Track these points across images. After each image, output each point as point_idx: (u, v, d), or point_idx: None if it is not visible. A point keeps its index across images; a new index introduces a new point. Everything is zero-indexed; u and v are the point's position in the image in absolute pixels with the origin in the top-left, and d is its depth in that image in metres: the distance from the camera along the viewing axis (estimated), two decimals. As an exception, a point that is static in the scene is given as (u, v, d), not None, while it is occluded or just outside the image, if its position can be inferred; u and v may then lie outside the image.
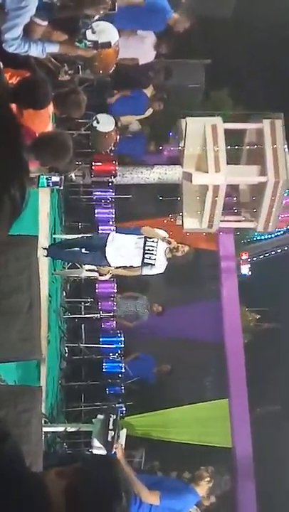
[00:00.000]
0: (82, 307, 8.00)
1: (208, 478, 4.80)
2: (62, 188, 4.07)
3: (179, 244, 5.68)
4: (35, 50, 3.71)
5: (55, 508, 1.24)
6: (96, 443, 4.64)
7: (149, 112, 7.74)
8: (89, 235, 6.57)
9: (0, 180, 0.55)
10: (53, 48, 4.02)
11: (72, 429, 5.76)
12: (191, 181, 6.81)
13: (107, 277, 6.75)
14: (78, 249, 6.07)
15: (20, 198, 0.59)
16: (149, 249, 5.69)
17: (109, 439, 4.52)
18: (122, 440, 4.90)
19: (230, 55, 9.71)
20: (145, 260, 5.67)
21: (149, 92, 7.54)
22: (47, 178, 3.69)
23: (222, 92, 9.48)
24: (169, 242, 5.63)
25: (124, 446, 4.84)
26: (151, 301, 8.24)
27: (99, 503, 1.31)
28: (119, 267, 5.97)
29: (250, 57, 9.74)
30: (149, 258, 5.68)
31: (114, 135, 6.76)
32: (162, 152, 8.31)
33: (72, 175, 7.25)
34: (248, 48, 9.75)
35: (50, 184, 3.80)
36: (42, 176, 3.68)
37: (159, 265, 5.70)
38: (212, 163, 6.63)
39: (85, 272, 6.83)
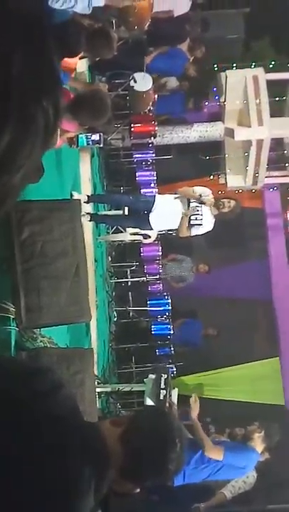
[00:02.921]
0: (128, 271, 8.03)
1: (258, 430, 4.83)
2: (102, 145, 3.97)
3: (225, 200, 5.55)
4: (81, 4, 3.52)
5: (113, 455, 1.25)
6: (149, 402, 4.71)
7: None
8: (135, 196, 6.49)
9: (31, 91, 0.50)
10: (99, 1, 3.79)
11: (125, 389, 5.87)
12: (233, 137, 6.61)
13: (151, 240, 6.73)
14: (121, 212, 6.04)
15: (53, 112, 0.54)
16: (193, 210, 5.58)
17: (162, 397, 4.57)
18: (174, 399, 4.96)
19: (269, 1, 9.21)
20: (191, 222, 5.59)
21: (186, 46, 7.28)
22: (86, 137, 3.59)
23: (263, 41, 9.05)
24: (208, 201, 5.50)
25: (176, 404, 4.90)
26: (197, 262, 8.18)
27: (154, 449, 1.34)
28: (163, 231, 5.92)
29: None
30: (196, 219, 5.59)
31: (152, 94, 6.60)
32: (202, 109, 8.08)
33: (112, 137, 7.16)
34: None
35: (90, 143, 3.70)
36: (81, 135, 3.59)
37: (207, 224, 5.61)
38: (254, 116, 6.40)
39: (129, 235, 6.82)
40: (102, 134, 3.66)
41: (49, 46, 0.53)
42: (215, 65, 7.19)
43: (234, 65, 7.01)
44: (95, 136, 3.63)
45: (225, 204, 5.52)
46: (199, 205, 5.55)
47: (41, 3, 0.54)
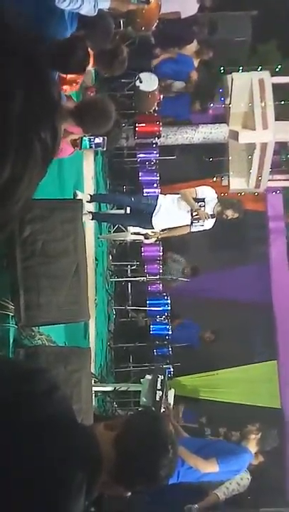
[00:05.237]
0: (129, 270, 8.04)
1: (256, 432, 4.85)
2: (105, 149, 3.99)
3: (229, 212, 5.62)
4: (88, 6, 3.50)
5: (105, 459, 1.26)
6: (144, 402, 4.72)
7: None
8: (137, 197, 6.52)
9: (29, 122, 0.51)
10: (105, 4, 3.73)
11: (122, 389, 5.88)
12: (237, 140, 6.62)
13: (152, 240, 6.75)
14: (123, 211, 6.07)
15: (51, 142, 0.54)
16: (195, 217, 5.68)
17: (158, 398, 4.59)
18: (170, 400, 4.97)
19: (277, 4, 9.19)
20: (194, 223, 5.68)
21: (193, 48, 7.28)
22: (90, 140, 3.61)
23: (270, 44, 9.03)
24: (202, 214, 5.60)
25: (172, 405, 4.91)
26: (190, 263, 8.21)
27: (146, 455, 1.35)
28: (165, 230, 5.97)
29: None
30: (198, 221, 5.68)
31: (157, 94, 6.61)
32: (207, 111, 8.08)
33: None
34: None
35: (93, 146, 3.72)
36: (84, 138, 3.61)
37: (207, 223, 5.70)
38: (259, 119, 6.41)
39: (131, 235, 6.83)
40: (105, 137, 3.68)
41: (48, 75, 0.54)
42: (221, 68, 7.20)
43: (240, 67, 7.02)
44: (98, 140, 3.65)
45: (229, 216, 5.65)
46: (203, 206, 5.62)
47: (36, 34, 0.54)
